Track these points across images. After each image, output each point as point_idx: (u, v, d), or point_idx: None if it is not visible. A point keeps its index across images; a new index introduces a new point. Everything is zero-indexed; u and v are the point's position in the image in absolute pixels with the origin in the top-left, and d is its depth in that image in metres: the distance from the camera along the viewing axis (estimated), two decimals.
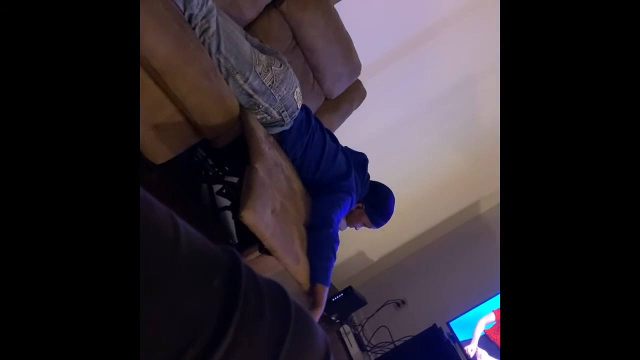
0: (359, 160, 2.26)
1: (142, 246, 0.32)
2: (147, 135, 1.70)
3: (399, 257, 4.24)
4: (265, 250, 1.88)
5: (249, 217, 1.52)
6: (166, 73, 1.56)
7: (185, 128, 1.74)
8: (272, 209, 1.67)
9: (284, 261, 1.67)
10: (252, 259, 1.94)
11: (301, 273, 1.74)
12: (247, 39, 1.88)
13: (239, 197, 1.64)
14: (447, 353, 3.00)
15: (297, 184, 1.99)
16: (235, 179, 1.96)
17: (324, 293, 1.80)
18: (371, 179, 2.31)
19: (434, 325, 3.12)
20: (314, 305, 1.79)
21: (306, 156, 2.05)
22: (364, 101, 2.78)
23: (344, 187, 2.03)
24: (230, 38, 1.71)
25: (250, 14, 2.03)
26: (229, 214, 2.35)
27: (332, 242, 1.85)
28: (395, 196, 2.32)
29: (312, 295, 1.79)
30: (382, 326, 3.57)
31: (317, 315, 1.82)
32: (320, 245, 1.84)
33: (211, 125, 1.75)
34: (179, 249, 0.36)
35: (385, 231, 2.54)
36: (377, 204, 2.24)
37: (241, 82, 1.76)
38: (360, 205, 2.21)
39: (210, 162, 2.17)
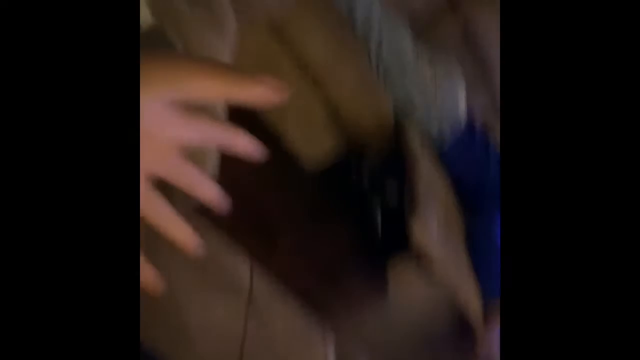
0: None
1: None
2: (299, 140, 1.69)
3: None
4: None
5: (417, 229, 1.43)
6: (324, 77, 1.52)
7: (337, 134, 1.69)
8: (437, 221, 1.57)
9: (452, 279, 1.57)
10: (399, 268, 1.86)
11: (470, 293, 1.62)
12: (413, 42, 1.76)
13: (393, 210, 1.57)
14: None
15: (449, 204, 1.85)
16: (394, 195, 1.85)
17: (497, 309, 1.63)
18: None
19: None
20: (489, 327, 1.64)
21: (468, 175, 1.86)
22: None
23: None
24: (391, 43, 1.64)
25: None
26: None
27: (495, 249, 1.71)
28: None
29: (487, 316, 1.65)
30: None
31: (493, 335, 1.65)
32: (484, 255, 1.70)
33: (364, 132, 1.70)
34: None
35: None
36: None
37: (398, 88, 1.67)
38: None
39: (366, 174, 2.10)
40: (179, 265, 0.60)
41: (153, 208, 0.33)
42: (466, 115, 1.80)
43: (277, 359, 0.71)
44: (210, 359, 0.48)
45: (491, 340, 1.66)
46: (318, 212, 1.73)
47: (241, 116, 1.64)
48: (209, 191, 0.36)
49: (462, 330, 2.73)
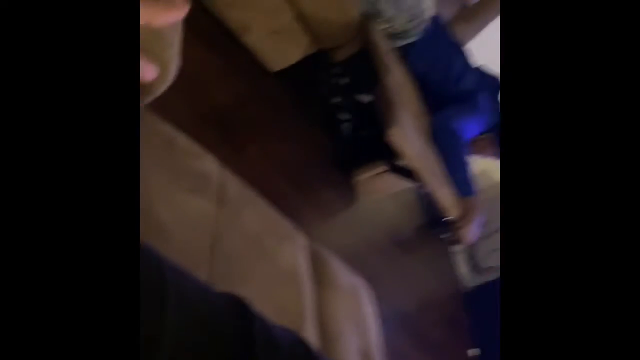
0: (493, 84, 2.00)
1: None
2: (265, 41, 1.64)
3: None
4: (396, 169, 1.81)
5: (398, 135, 1.42)
6: None
7: (302, 35, 1.64)
8: (413, 126, 1.57)
9: (431, 184, 1.58)
10: (371, 176, 1.89)
11: (447, 196, 1.64)
12: None
13: (364, 117, 1.55)
14: None
15: (416, 106, 1.84)
16: (365, 98, 1.84)
17: (474, 204, 1.71)
18: None
19: None
20: (465, 221, 1.72)
21: (432, 72, 1.85)
22: None
23: (470, 101, 1.83)
24: None
25: None
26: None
27: (460, 146, 1.72)
28: None
29: (463, 212, 1.71)
30: (497, 249, 3.42)
31: (469, 227, 1.74)
32: (449, 153, 1.70)
33: (329, 34, 1.64)
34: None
35: None
36: None
37: None
38: (490, 135, 1.99)
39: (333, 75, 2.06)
40: (150, 169, 0.61)
41: None
42: (431, 11, 1.76)
43: (247, 251, 0.74)
44: (185, 250, 0.50)
45: (471, 229, 1.77)
46: (285, 115, 1.73)
47: (202, 16, 1.58)
48: None
49: (432, 227, 2.85)
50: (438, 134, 1.74)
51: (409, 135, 1.46)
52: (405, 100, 1.63)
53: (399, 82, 1.64)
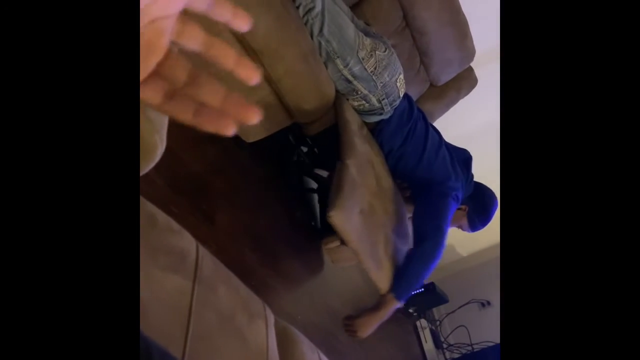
0: (463, 158, 2.09)
1: None
2: None
3: (490, 256, 4.00)
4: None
5: (338, 218, 1.47)
6: (264, 53, 1.50)
7: (278, 110, 1.68)
8: (360, 209, 1.61)
9: (366, 265, 1.62)
10: (332, 248, 1.89)
11: (382, 279, 1.67)
12: (352, 20, 1.76)
13: (326, 189, 1.59)
14: None
15: (387, 182, 1.89)
16: (324, 173, 1.89)
17: (392, 307, 1.73)
18: (477, 169, 2.14)
19: None
20: (376, 309, 1.74)
21: (406, 148, 1.91)
22: (473, 90, 2.56)
23: (449, 190, 1.88)
24: (334, 20, 1.61)
25: None
26: (315, 197, 2.30)
27: (432, 258, 1.74)
28: (496, 191, 2.16)
29: (382, 300, 1.73)
30: (462, 325, 3.42)
31: (372, 322, 1.76)
32: (418, 260, 1.73)
33: (305, 110, 1.68)
34: None
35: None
36: (481, 208, 2.07)
37: (341, 67, 1.66)
38: (463, 207, 2.05)
39: (303, 149, 2.11)
40: None
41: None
42: (404, 89, 1.85)
43: (220, 329, 0.73)
44: (160, 327, 0.49)
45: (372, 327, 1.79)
46: (256, 185, 1.75)
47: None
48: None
49: None
50: (429, 239, 1.75)
51: (349, 218, 1.51)
52: (365, 181, 1.68)
53: (361, 162, 1.69)
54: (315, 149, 2.09)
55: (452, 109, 2.52)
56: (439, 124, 2.43)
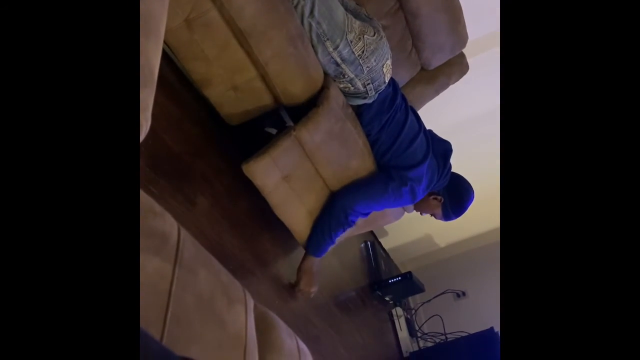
0: (443, 149, 2.10)
1: None
2: (225, 95, 1.65)
3: (468, 247, 4.05)
4: None
5: (249, 170, 1.64)
6: (251, 35, 1.48)
7: (263, 93, 1.66)
8: (287, 174, 1.75)
9: (281, 217, 1.83)
10: None
11: (296, 231, 1.91)
12: (342, 2, 1.75)
13: None
14: None
15: (368, 162, 1.96)
16: (274, 131, 1.92)
17: (309, 260, 1.96)
18: (461, 159, 2.17)
19: (492, 328, 2.97)
20: (301, 267, 1.97)
21: (380, 136, 1.93)
22: (463, 77, 2.55)
23: (407, 180, 1.92)
24: (325, 1, 1.59)
25: None
26: None
27: (342, 219, 1.90)
28: (478, 183, 2.18)
29: (300, 264, 1.98)
30: (436, 315, 3.46)
31: (306, 276, 1.97)
32: (327, 215, 1.91)
33: (292, 94, 1.67)
34: None
35: (460, 218, 2.40)
36: (456, 199, 2.10)
37: (331, 49, 1.65)
38: (438, 197, 2.08)
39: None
40: None
41: None
42: (390, 74, 1.85)
43: (199, 313, 0.72)
44: (141, 310, 0.48)
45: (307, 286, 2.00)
46: (237, 170, 1.72)
47: (165, 65, 1.58)
48: None
49: (375, 288, 2.84)
50: (336, 204, 1.92)
51: (265, 176, 1.69)
52: (322, 153, 1.82)
53: (319, 136, 1.76)
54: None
55: (442, 95, 2.51)
56: (428, 109, 2.43)
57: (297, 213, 1.87)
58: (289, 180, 1.77)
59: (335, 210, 1.90)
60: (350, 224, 1.92)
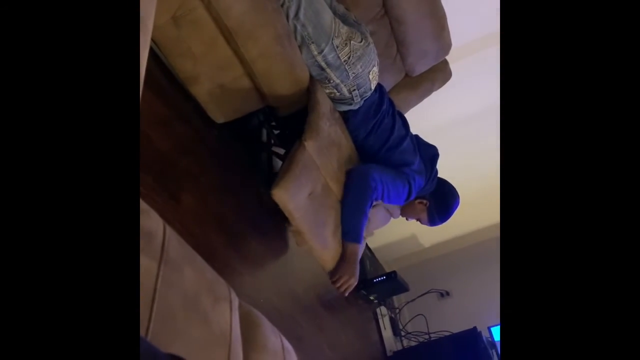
0: (429, 154, 2.12)
1: None
2: (212, 93, 1.65)
3: (452, 248, 4.09)
4: None
5: (280, 196, 1.51)
6: (238, 33, 1.48)
7: (250, 92, 1.66)
8: (310, 191, 1.64)
9: (311, 244, 1.67)
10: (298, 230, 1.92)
11: (325, 259, 1.75)
12: (331, 5, 1.75)
13: None
14: (482, 359, 2.89)
15: (352, 166, 1.91)
16: (282, 151, 1.90)
17: (353, 250, 1.78)
18: (443, 163, 2.18)
19: (475, 328, 3.00)
20: (343, 262, 1.78)
21: (368, 141, 1.94)
22: (447, 84, 2.59)
23: (402, 173, 1.92)
24: (312, 4, 1.60)
25: None
26: None
27: (367, 194, 1.78)
28: (464, 185, 2.21)
29: (343, 254, 1.78)
30: (420, 314, 3.48)
31: (349, 268, 1.78)
32: (354, 195, 1.78)
33: (278, 93, 1.67)
34: None
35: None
36: (442, 205, 2.12)
37: (315, 52, 1.65)
38: (424, 201, 2.09)
39: (273, 126, 2.10)
40: None
41: None
42: (376, 81, 1.85)
43: (184, 311, 0.72)
44: None
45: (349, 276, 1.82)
46: (223, 166, 1.73)
47: (151, 62, 1.57)
48: None
49: (360, 288, 2.84)
50: (354, 173, 1.82)
51: (294, 198, 1.55)
52: (325, 163, 1.72)
53: (323, 144, 1.71)
54: (287, 131, 2.08)
55: (427, 100, 2.54)
56: (413, 113, 2.45)
57: (326, 234, 1.72)
58: (313, 198, 1.65)
59: (355, 180, 1.80)
60: (374, 190, 1.79)
